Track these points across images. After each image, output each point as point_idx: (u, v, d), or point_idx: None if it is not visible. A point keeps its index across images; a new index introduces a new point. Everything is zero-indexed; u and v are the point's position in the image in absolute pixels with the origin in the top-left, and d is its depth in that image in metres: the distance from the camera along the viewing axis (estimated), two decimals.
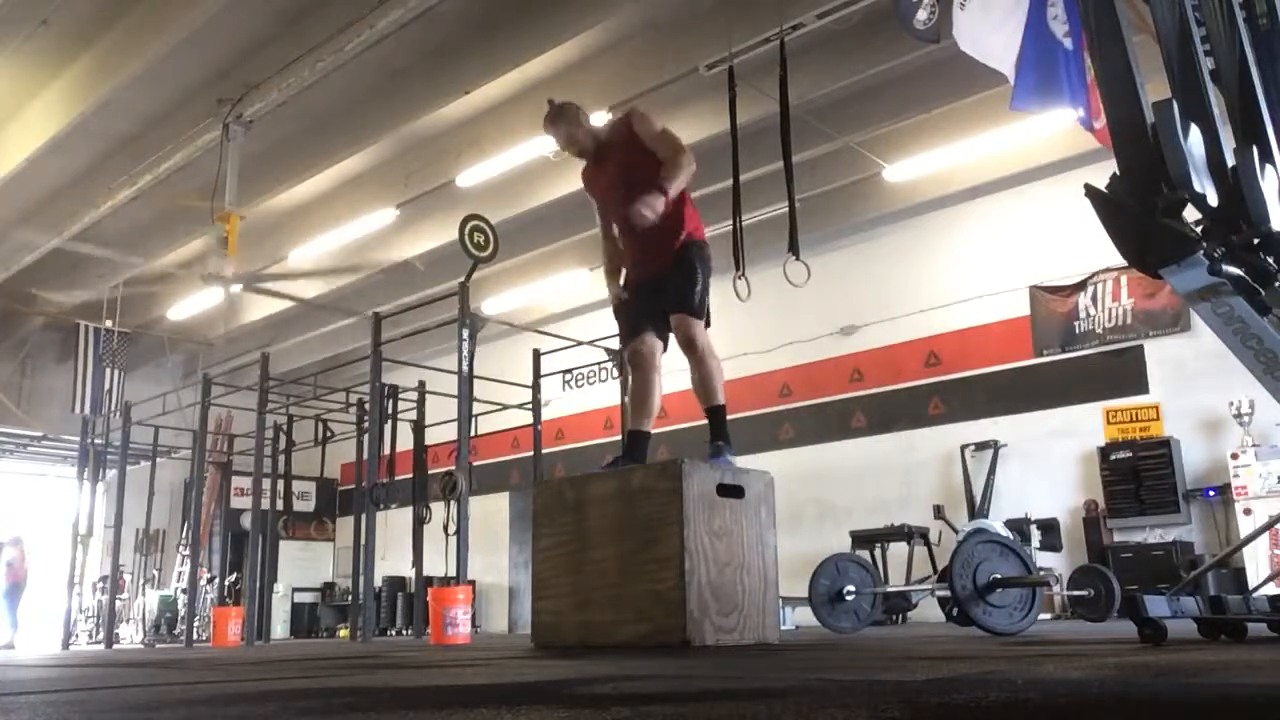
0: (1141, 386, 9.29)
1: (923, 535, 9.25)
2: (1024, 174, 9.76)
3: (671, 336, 4.05)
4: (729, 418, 4.14)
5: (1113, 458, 9.00)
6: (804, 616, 7.51)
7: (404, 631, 13.59)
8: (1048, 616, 8.28)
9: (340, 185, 10.70)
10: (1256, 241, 2.24)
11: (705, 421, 4.10)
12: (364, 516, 8.45)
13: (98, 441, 12.58)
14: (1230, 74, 2.44)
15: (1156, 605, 2.88)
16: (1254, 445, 8.20)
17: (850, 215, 10.79)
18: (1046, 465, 9.66)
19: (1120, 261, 2.48)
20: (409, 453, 9.97)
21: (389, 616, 13.97)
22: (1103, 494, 9.06)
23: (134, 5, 7.62)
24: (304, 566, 15.85)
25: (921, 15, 6.31)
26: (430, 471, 9.67)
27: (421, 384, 10.19)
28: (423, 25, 7.48)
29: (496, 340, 12.31)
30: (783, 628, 3.96)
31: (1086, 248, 8.77)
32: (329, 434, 11.54)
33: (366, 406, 9.50)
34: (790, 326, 11.17)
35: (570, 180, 9.79)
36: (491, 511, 13.55)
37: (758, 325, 10.44)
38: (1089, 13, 2.51)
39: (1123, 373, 9.40)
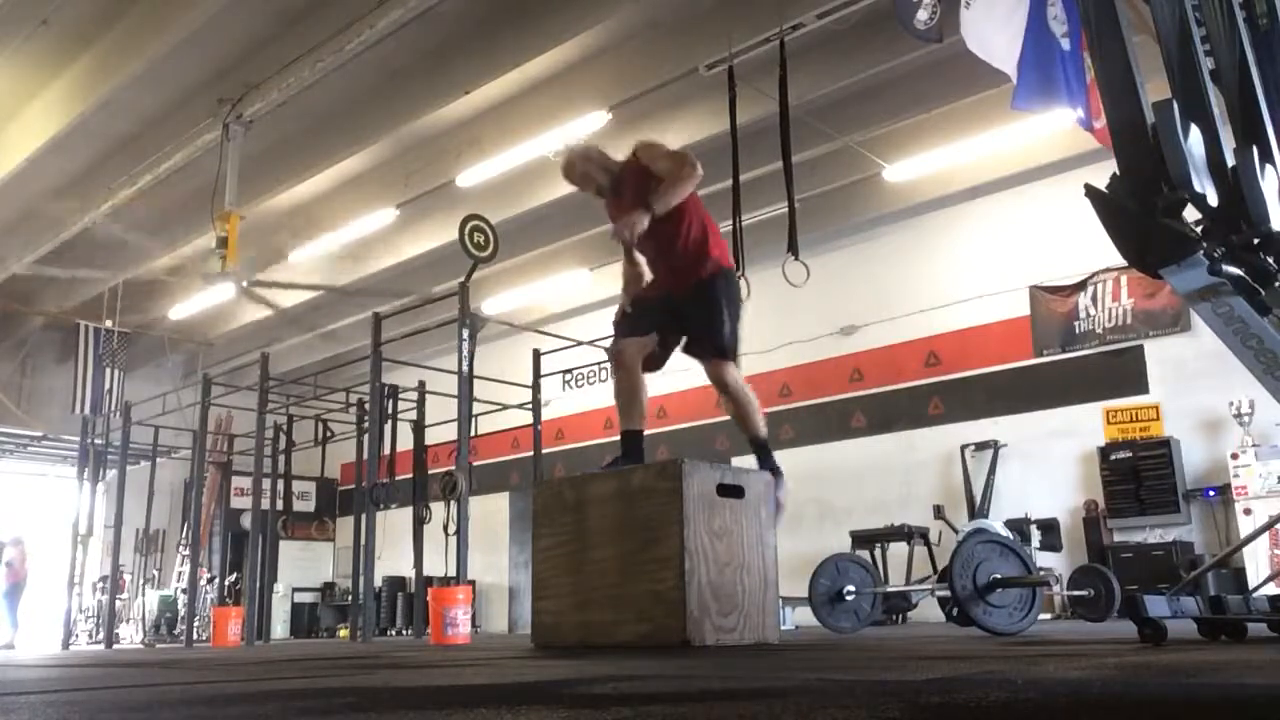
0: (1141, 386, 9.30)
1: (923, 535, 9.25)
2: (1024, 174, 9.76)
3: (673, 356, 4.03)
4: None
5: (1113, 458, 9.00)
6: (804, 616, 7.50)
7: (404, 631, 13.59)
8: (1048, 616, 8.28)
9: (340, 185, 10.70)
10: (1256, 241, 2.24)
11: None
12: (364, 516, 8.45)
13: (98, 441, 12.58)
14: (1230, 74, 2.44)
15: (1156, 605, 2.88)
16: (1254, 445, 8.20)
17: (850, 215, 10.79)
18: (1046, 465, 9.66)
19: (1120, 261, 2.48)
20: (409, 453, 9.96)
21: (389, 616, 13.97)
22: (1103, 494, 9.06)
23: (134, 5, 7.62)
24: (304, 566, 15.85)
25: (922, 15, 6.31)
26: (430, 471, 9.66)
27: (421, 384, 10.19)
28: (423, 25, 7.48)
29: (496, 340, 12.32)
30: (783, 628, 3.96)
31: (1086, 248, 8.77)
32: (329, 434, 11.54)
33: (366, 406, 9.50)
34: (790, 326, 11.17)
35: None
36: (491, 511, 13.55)
37: (758, 325, 10.41)
38: (1089, 12, 2.51)
39: (1123, 373, 9.40)
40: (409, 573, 11.86)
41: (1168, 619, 2.89)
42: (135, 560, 14.88)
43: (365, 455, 8.90)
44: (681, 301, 3.98)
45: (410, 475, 9.70)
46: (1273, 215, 2.21)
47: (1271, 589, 4.64)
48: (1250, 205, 2.20)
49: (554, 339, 10.00)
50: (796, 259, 7.13)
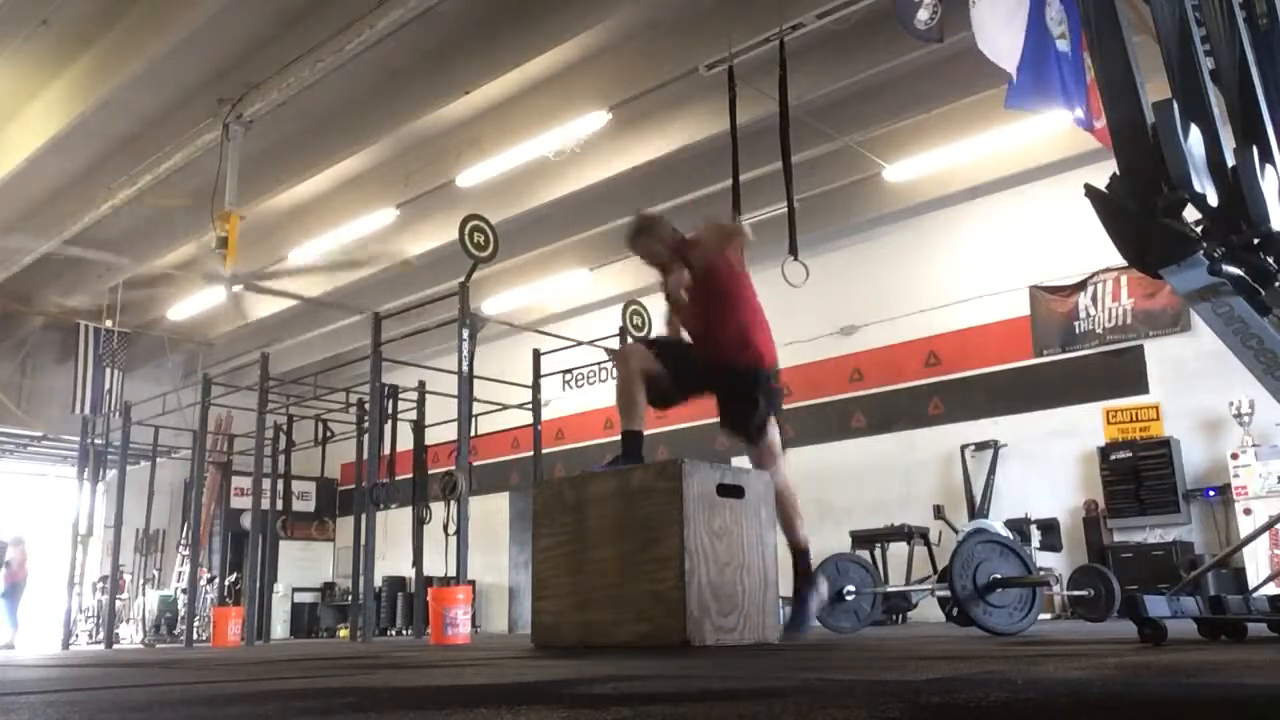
0: (1141, 386, 9.30)
1: (923, 535, 9.24)
2: (1024, 174, 9.76)
3: (687, 401, 4.09)
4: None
5: (1113, 458, 9.00)
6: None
7: (404, 631, 13.59)
8: (1048, 616, 8.28)
9: (340, 185, 10.70)
10: (1256, 241, 2.24)
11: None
12: (364, 516, 8.45)
13: (98, 441, 12.58)
14: (1230, 74, 2.44)
15: (1156, 605, 2.88)
16: (1254, 445, 8.20)
17: (850, 215, 10.79)
18: (1046, 465, 9.66)
19: (1120, 261, 2.48)
20: (409, 453, 9.97)
21: (389, 616, 13.97)
22: (1103, 494, 9.06)
23: (134, 5, 7.62)
24: (304, 566, 15.85)
25: (923, 15, 6.30)
26: (430, 471, 9.67)
27: (421, 384, 10.19)
28: (423, 25, 7.48)
29: (496, 340, 12.32)
30: (783, 622, 3.96)
31: (1086, 248, 8.77)
32: (329, 434, 11.54)
33: (366, 406, 9.50)
34: (790, 326, 11.10)
35: (570, 180, 9.81)
36: (491, 511, 13.55)
37: None
38: (1089, 12, 2.51)
39: (1123, 373, 9.40)
40: (409, 573, 11.86)
41: (1168, 619, 2.89)
42: (135, 560, 14.88)
43: (365, 455, 8.90)
44: (714, 374, 4.00)
45: (410, 475, 9.71)
46: (1273, 215, 2.21)
47: (1271, 589, 4.64)
48: (1250, 205, 2.20)
49: (554, 339, 10.01)
50: (796, 259, 7.13)
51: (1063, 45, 5.81)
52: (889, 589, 7.64)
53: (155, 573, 14.81)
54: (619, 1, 7.47)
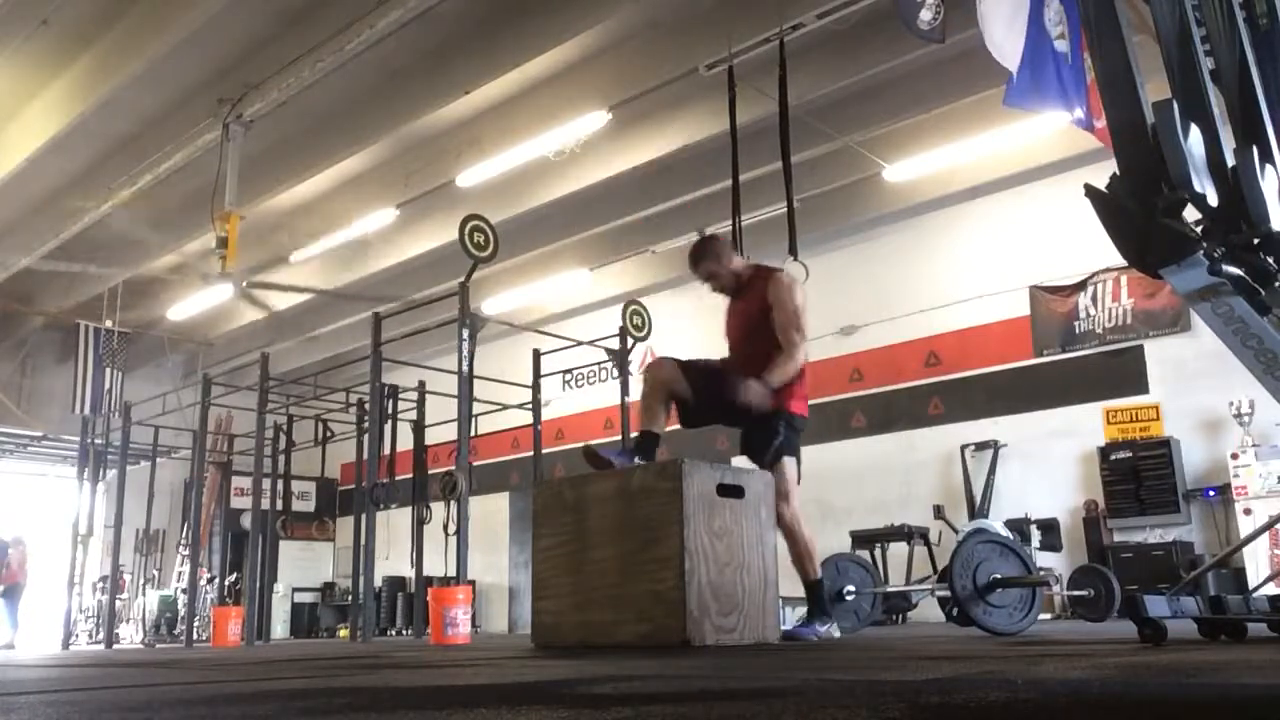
0: (1141, 386, 9.30)
1: (923, 535, 9.24)
2: (1024, 174, 9.76)
3: (709, 425, 4.29)
4: None
5: (1113, 458, 9.00)
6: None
7: (404, 631, 13.59)
8: (1048, 616, 8.28)
9: (340, 185, 10.70)
10: (1256, 241, 2.24)
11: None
12: (364, 516, 8.44)
13: (98, 441, 12.57)
14: (1230, 74, 2.44)
15: (1156, 605, 2.88)
16: (1254, 445, 8.20)
17: (850, 215, 10.78)
18: (1046, 465, 9.66)
19: (1120, 261, 2.48)
20: (409, 453, 9.97)
21: (389, 616, 13.97)
22: (1103, 494, 9.06)
23: (134, 5, 7.62)
24: (304, 566, 15.85)
25: (925, 15, 6.29)
26: (430, 471, 9.67)
27: (421, 384, 10.19)
28: (423, 25, 7.47)
29: (496, 340, 12.31)
30: (783, 628, 3.96)
31: (1086, 248, 8.77)
32: (329, 434, 11.54)
33: (366, 406, 9.50)
34: None
35: (570, 180, 9.81)
36: (491, 511, 13.55)
37: None
38: (1089, 13, 2.51)
39: (1123, 373, 9.40)
40: (409, 573, 11.86)
41: (1168, 619, 2.89)
42: (135, 560, 14.88)
43: (365, 455, 8.89)
44: (743, 411, 4.06)
45: (410, 475, 9.70)
46: (1273, 215, 2.21)
47: (1271, 589, 4.64)
48: (1250, 205, 2.20)
49: (554, 339, 10.00)
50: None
51: (1061, 45, 5.81)
52: (889, 589, 7.64)
53: (155, 573, 14.81)
54: (619, 1, 7.47)
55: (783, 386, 4.06)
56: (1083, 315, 9.73)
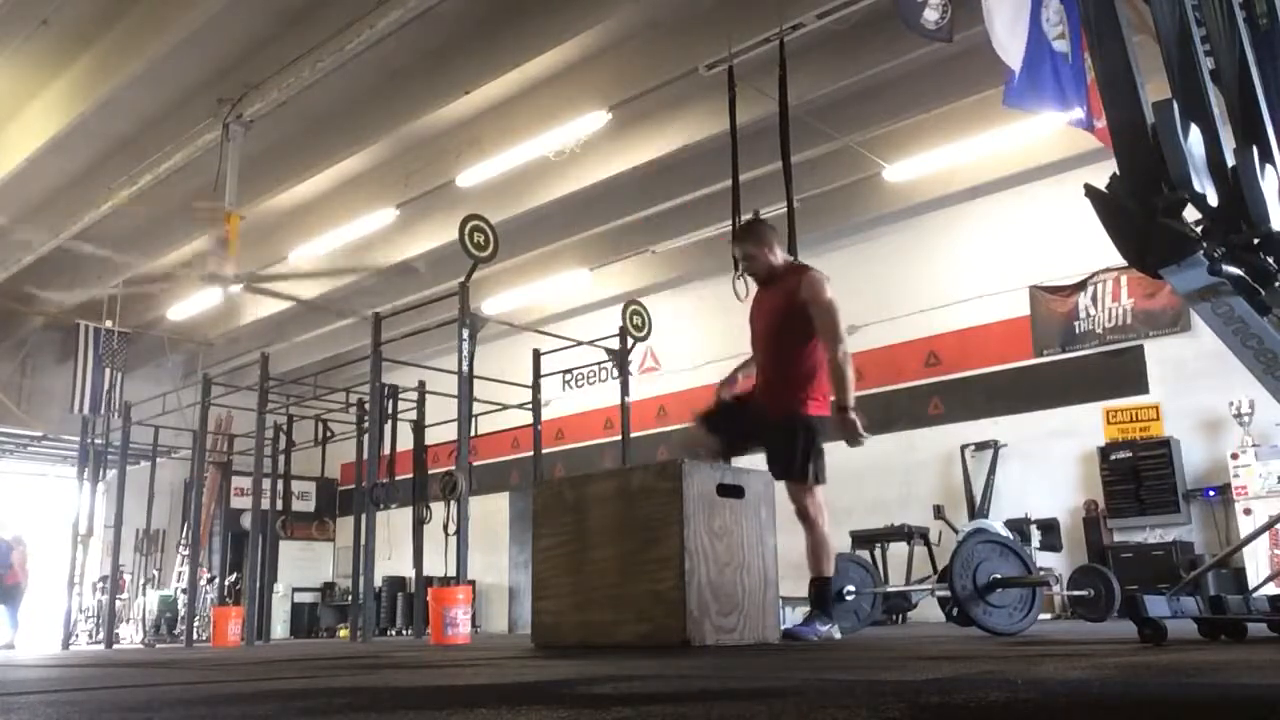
0: (1141, 386, 9.29)
1: (923, 535, 9.24)
2: (1024, 174, 9.76)
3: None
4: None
5: (1113, 458, 9.00)
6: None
7: (404, 631, 13.59)
8: (1048, 616, 8.28)
9: (340, 185, 10.70)
10: (1256, 241, 2.24)
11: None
12: (364, 516, 8.45)
13: (98, 441, 12.57)
14: (1230, 74, 2.44)
15: (1156, 605, 2.88)
16: (1254, 445, 8.20)
17: (850, 215, 10.78)
18: (1046, 465, 9.65)
19: (1120, 261, 2.48)
20: (409, 453, 9.96)
21: (389, 616, 13.96)
22: (1103, 494, 9.06)
23: (134, 5, 7.62)
24: (304, 566, 15.85)
25: (931, 16, 6.26)
26: (430, 471, 9.66)
27: (421, 384, 10.18)
28: (423, 25, 7.47)
29: (496, 340, 12.31)
30: (783, 628, 3.96)
31: (1086, 248, 8.77)
32: (329, 434, 11.54)
33: (366, 406, 9.50)
34: None
35: (570, 180, 9.81)
36: (491, 511, 13.54)
37: None
38: (1089, 12, 2.51)
39: (1123, 373, 9.40)
40: (409, 573, 11.86)
41: (1168, 619, 2.89)
42: (135, 560, 14.88)
43: (365, 455, 8.90)
44: (768, 423, 4.21)
45: (410, 475, 9.70)
46: (1273, 215, 2.21)
47: (1271, 589, 4.64)
48: (1250, 205, 2.20)
49: (554, 339, 10.00)
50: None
51: (1061, 45, 5.81)
52: (889, 589, 7.64)
53: (155, 573, 14.80)
54: (619, 1, 7.46)
55: (801, 392, 4.18)
56: (1083, 315, 9.73)
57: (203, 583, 12.48)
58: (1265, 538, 7.48)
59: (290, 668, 3.01)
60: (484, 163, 9.45)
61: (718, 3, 7.77)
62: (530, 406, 9.84)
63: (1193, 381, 8.83)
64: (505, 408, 10.17)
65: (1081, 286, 9.72)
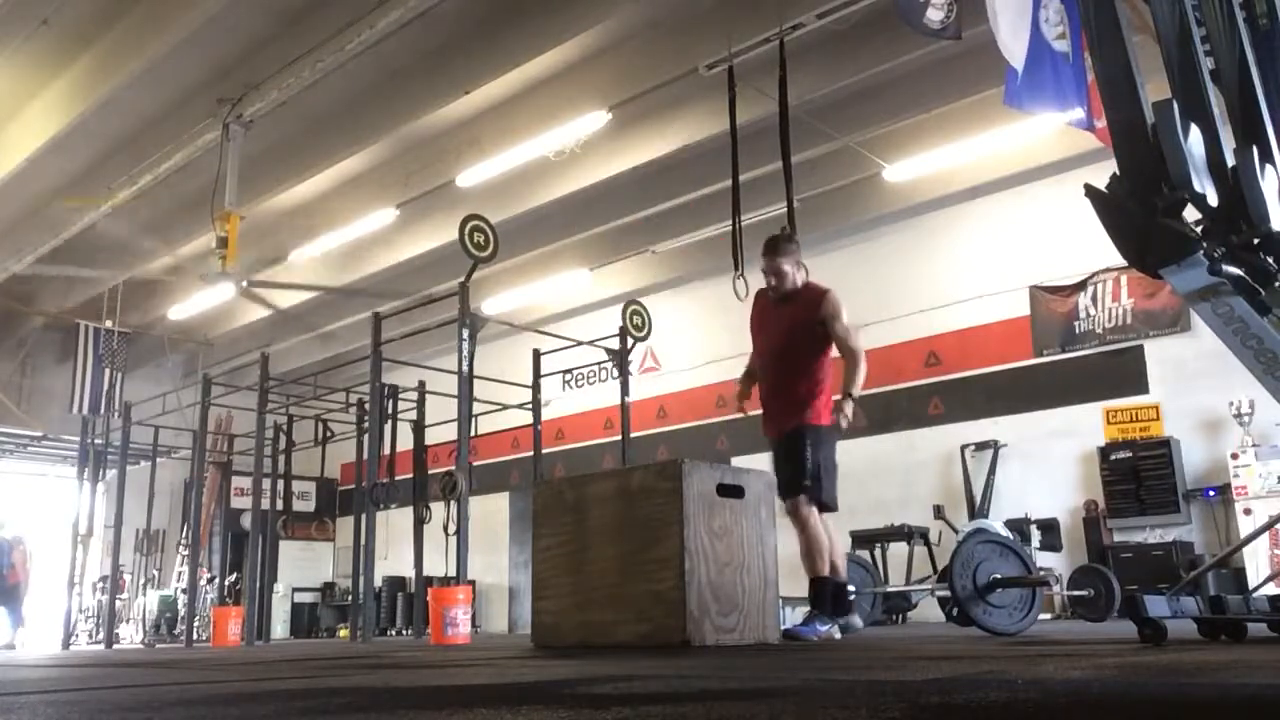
0: (1141, 386, 9.29)
1: (923, 535, 9.24)
2: (1024, 174, 9.76)
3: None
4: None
5: (1113, 458, 9.00)
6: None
7: (404, 631, 13.59)
8: (1048, 616, 8.28)
9: (340, 185, 10.70)
10: (1256, 241, 2.24)
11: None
12: (364, 516, 8.45)
13: (98, 441, 12.57)
14: (1230, 74, 2.44)
15: (1156, 605, 2.88)
16: (1254, 445, 8.20)
17: (850, 215, 10.78)
18: (1046, 465, 9.65)
19: (1120, 261, 2.48)
20: (409, 453, 9.96)
21: (389, 616, 13.97)
22: (1103, 494, 9.06)
23: (134, 5, 7.62)
24: (304, 566, 15.85)
25: (936, 15, 6.24)
26: (430, 471, 9.66)
27: (421, 384, 10.18)
28: (423, 25, 7.47)
29: (496, 340, 12.31)
30: (783, 628, 3.97)
31: (1086, 248, 8.77)
32: (329, 434, 11.53)
33: (366, 406, 9.50)
34: None
35: (570, 180, 9.81)
36: (491, 511, 13.54)
37: None
38: (1089, 13, 2.51)
39: (1123, 373, 9.40)
40: (409, 573, 11.86)
41: (1168, 619, 2.89)
42: (135, 560, 14.87)
43: (365, 455, 8.89)
44: (775, 444, 4.40)
45: (410, 475, 9.70)
46: (1273, 215, 2.21)
47: (1271, 589, 4.64)
48: (1250, 205, 2.20)
49: (554, 339, 10.00)
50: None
51: (1061, 46, 5.80)
52: (889, 589, 7.65)
53: (155, 573, 14.80)
54: (619, 1, 7.46)
55: (805, 403, 4.31)
56: (1083, 315, 9.73)
57: (203, 583, 12.48)
58: (1265, 538, 7.48)
59: (290, 668, 3.01)
60: (484, 163, 9.45)
61: (718, 3, 7.77)
62: (530, 406, 9.84)
63: (1193, 381, 8.83)
64: (505, 408, 10.17)
65: (1081, 286, 9.72)
